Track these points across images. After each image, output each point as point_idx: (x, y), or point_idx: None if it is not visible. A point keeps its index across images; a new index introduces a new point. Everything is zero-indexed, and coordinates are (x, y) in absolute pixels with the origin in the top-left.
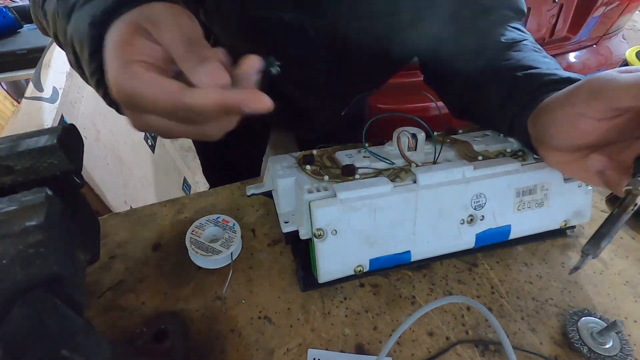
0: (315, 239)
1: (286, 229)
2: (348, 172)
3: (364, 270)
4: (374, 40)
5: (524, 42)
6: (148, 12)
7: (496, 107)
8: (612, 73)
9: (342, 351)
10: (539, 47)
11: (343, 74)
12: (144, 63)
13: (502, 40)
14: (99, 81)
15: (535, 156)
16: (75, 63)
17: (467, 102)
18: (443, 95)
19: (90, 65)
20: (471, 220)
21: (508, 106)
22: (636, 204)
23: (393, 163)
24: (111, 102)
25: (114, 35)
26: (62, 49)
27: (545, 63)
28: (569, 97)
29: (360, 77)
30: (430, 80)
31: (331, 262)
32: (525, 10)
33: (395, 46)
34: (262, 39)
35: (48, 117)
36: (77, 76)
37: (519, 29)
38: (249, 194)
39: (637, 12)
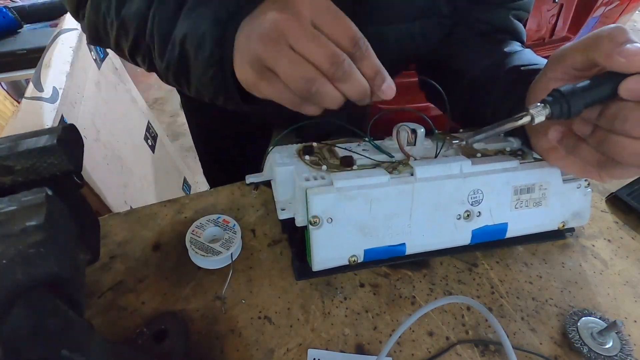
0: (310, 226)
1: (282, 215)
2: (346, 163)
3: (359, 261)
4: (384, 46)
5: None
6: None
7: (499, 99)
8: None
9: (342, 351)
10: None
11: None
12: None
13: (505, 50)
14: (215, 76)
15: (534, 155)
16: (180, 61)
17: (469, 103)
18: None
19: (209, 59)
20: (468, 216)
21: (510, 96)
22: (521, 119)
23: (392, 157)
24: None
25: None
26: (130, 56)
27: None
28: (542, 69)
29: None
30: (432, 91)
31: (326, 251)
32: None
33: (405, 50)
34: None
35: (48, 117)
36: (77, 76)
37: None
38: (248, 182)
39: (637, 12)
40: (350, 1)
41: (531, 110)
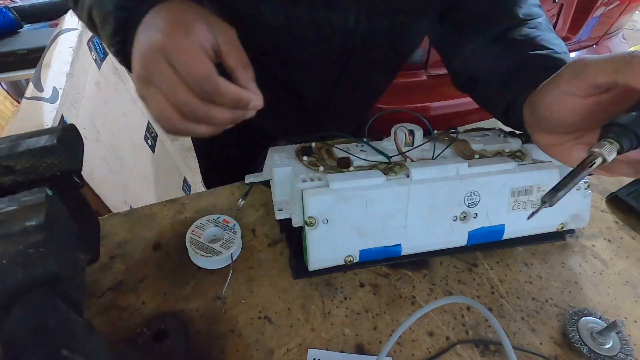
0: (306, 227)
1: (279, 215)
2: (343, 164)
3: (354, 261)
4: (387, 35)
5: (540, 19)
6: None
7: (500, 83)
8: (592, 55)
9: (342, 351)
10: (552, 26)
11: (351, 76)
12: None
13: (520, 15)
14: (118, 52)
15: (533, 157)
16: (90, 26)
17: (472, 72)
18: (449, 62)
19: (112, 38)
20: (464, 217)
21: (511, 84)
22: (594, 164)
23: (389, 158)
24: (125, 61)
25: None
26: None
27: (557, 45)
28: (555, 78)
29: (368, 78)
30: (439, 45)
31: (322, 251)
32: None
33: (409, 35)
34: (270, 40)
35: (48, 117)
36: (77, 76)
37: (536, 5)
38: (247, 182)
39: (637, 12)
40: (337, 68)
41: (601, 151)
